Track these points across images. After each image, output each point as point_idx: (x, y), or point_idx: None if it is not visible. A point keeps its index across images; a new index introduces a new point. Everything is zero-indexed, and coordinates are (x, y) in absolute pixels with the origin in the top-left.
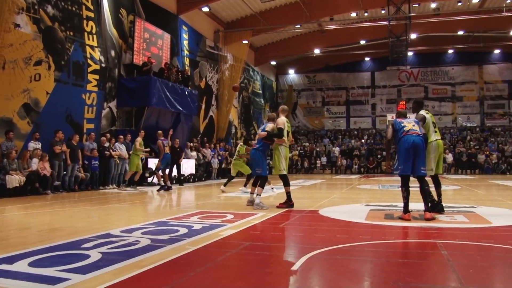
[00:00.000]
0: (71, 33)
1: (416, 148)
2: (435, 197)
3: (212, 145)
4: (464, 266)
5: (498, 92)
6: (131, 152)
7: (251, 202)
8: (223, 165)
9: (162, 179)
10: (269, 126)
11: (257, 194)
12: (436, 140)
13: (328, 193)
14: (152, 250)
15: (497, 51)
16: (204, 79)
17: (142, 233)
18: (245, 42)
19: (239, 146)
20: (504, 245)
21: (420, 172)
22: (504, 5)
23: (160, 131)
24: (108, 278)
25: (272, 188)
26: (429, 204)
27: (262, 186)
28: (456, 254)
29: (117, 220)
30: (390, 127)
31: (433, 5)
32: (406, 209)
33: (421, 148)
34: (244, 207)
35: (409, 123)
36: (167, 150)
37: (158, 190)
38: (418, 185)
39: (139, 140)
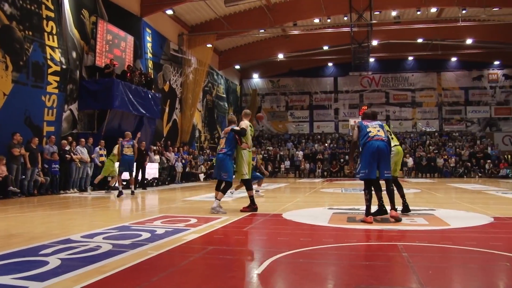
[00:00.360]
0: (30, 33)
1: (380, 153)
2: (385, 204)
3: (176, 148)
4: (424, 267)
5: (456, 98)
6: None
7: (213, 209)
8: (187, 169)
9: (122, 184)
10: (236, 128)
11: (217, 198)
12: (395, 146)
13: (291, 196)
14: (113, 255)
15: (454, 59)
16: (167, 82)
17: (103, 238)
18: (209, 45)
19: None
20: (461, 246)
21: (385, 175)
22: (460, 15)
23: (128, 132)
24: (67, 285)
25: (257, 191)
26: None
27: (224, 192)
28: (416, 256)
29: (78, 225)
30: (356, 129)
31: (393, 13)
32: (368, 212)
33: (386, 153)
34: (208, 211)
35: (374, 128)
36: (127, 151)
37: (118, 196)
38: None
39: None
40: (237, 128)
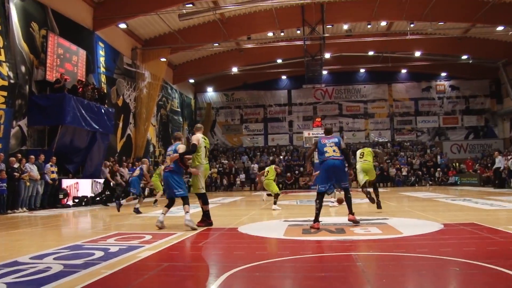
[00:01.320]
0: None
1: (335, 170)
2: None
3: (130, 164)
4: (378, 276)
5: (406, 109)
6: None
7: (161, 223)
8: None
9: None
10: (181, 147)
11: (186, 212)
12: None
13: (247, 210)
14: (64, 276)
15: (404, 71)
16: (121, 96)
17: (54, 259)
18: (163, 59)
19: (271, 168)
20: (414, 254)
21: (342, 185)
22: (408, 29)
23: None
24: None
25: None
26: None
27: (188, 203)
28: (370, 265)
29: (27, 246)
30: (313, 145)
31: (345, 27)
32: (316, 219)
33: (340, 169)
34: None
35: (330, 148)
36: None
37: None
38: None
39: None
40: (182, 148)
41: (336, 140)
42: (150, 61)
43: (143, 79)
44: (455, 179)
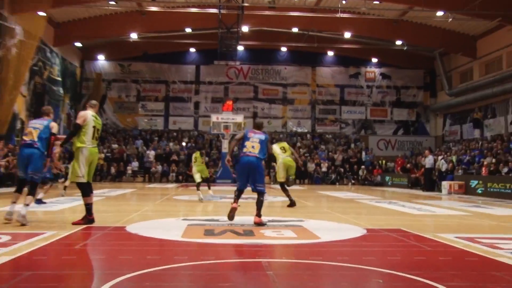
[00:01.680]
0: None
1: (250, 167)
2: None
3: None
4: (290, 287)
5: (330, 96)
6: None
7: (23, 217)
8: (2, 169)
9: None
10: (54, 125)
11: (26, 204)
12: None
13: (138, 205)
14: None
15: (330, 53)
16: None
17: None
18: (42, 14)
19: (197, 154)
20: (332, 262)
21: (257, 188)
22: (339, 5)
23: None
24: None
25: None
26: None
27: (33, 195)
28: (283, 274)
29: None
30: (241, 134)
31: None
32: (235, 200)
33: (255, 167)
34: (28, 226)
35: (251, 144)
36: None
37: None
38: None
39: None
40: (55, 128)
41: (263, 137)
42: (24, 14)
43: (13, 36)
44: (383, 178)
